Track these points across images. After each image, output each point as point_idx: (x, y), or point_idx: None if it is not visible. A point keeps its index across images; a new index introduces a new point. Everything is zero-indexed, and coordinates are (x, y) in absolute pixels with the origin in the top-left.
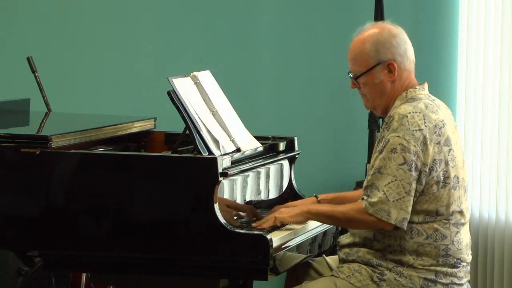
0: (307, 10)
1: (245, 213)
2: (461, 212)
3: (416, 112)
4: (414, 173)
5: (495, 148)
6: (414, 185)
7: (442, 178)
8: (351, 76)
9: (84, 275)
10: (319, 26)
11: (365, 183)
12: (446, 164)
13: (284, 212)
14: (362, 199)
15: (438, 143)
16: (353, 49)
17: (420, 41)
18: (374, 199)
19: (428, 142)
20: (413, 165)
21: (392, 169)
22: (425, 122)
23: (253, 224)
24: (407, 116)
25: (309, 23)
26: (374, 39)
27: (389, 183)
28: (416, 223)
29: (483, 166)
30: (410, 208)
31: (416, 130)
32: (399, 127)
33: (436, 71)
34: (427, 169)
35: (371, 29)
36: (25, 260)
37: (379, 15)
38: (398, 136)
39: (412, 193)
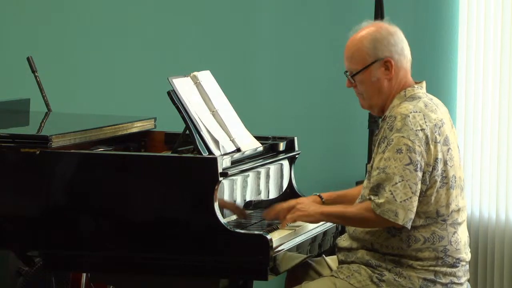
0: (307, 10)
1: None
2: (458, 211)
3: (416, 112)
4: (419, 173)
5: (495, 148)
6: (419, 185)
7: (440, 177)
8: (348, 74)
9: (84, 275)
10: (319, 26)
11: (371, 184)
12: (445, 163)
13: (299, 209)
14: (369, 199)
15: (439, 142)
16: (350, 47)
17: (420, 41)
18: (381, 200)
19: (430, 142)
20: (418, 165)
21: (399, 169)
22: (425, 122)
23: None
24: (409, 116)
25: (309, 23)
26: (371, 37)
27: (396, 183)
28: (418, 227)
29: (483, 166)
30: (415, 208)
31: (419, 130)
32: (403, 127)
33: (436, 71)
34: (430, 169)
35: (368, 28)
36: (25, 260)
37: (379, 15)
38: (403, 137)
39: (418, 193)
